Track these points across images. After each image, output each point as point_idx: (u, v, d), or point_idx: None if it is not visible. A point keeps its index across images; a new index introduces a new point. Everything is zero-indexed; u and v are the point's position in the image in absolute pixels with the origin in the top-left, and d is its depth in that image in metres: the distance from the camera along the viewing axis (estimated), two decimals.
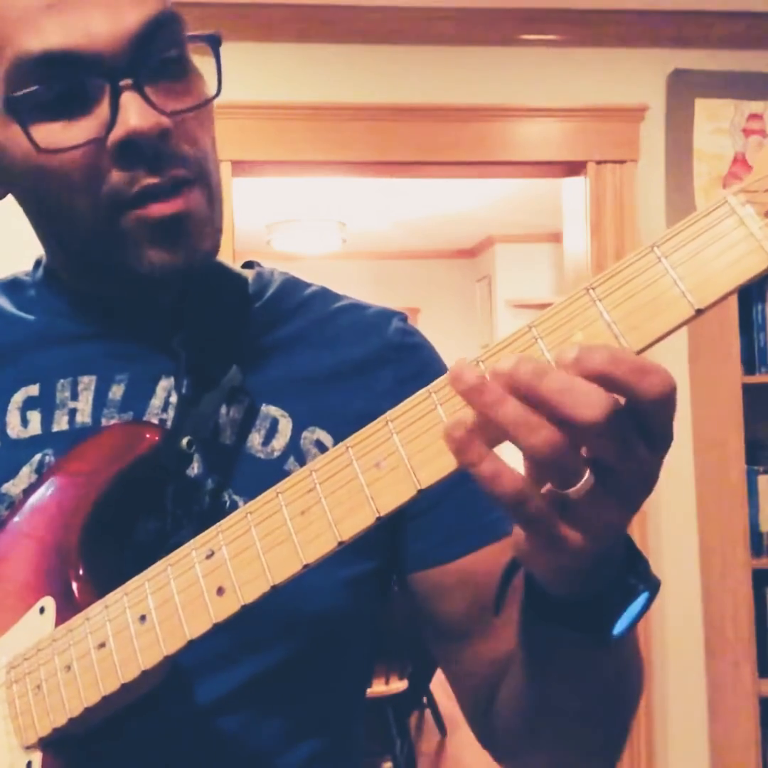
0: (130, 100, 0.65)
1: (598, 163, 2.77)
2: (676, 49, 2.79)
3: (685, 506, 2.81)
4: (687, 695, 2.81)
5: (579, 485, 0.49)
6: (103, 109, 0.66)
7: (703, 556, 2.79)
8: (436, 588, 0.77)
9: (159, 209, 0.68)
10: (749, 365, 2.70)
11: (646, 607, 0.57)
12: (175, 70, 0.69)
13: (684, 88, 2.78)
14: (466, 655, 0.78)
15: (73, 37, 0.65)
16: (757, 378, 2.69)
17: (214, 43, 0.71)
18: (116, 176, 0.68)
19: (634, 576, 0.57)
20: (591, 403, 0.46)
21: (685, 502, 2.81)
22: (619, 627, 0.57)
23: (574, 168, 2.83)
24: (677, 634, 2.80)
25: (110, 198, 0.68)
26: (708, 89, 2.79)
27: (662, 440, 0.50)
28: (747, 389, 2.62)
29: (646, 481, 0.51)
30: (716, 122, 2.79)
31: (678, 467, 2.80)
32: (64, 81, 0.66)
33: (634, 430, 0.48)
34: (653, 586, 0.57)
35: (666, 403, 0.48)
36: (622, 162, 2.77)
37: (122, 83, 0.65)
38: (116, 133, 0.66)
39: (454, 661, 0.79)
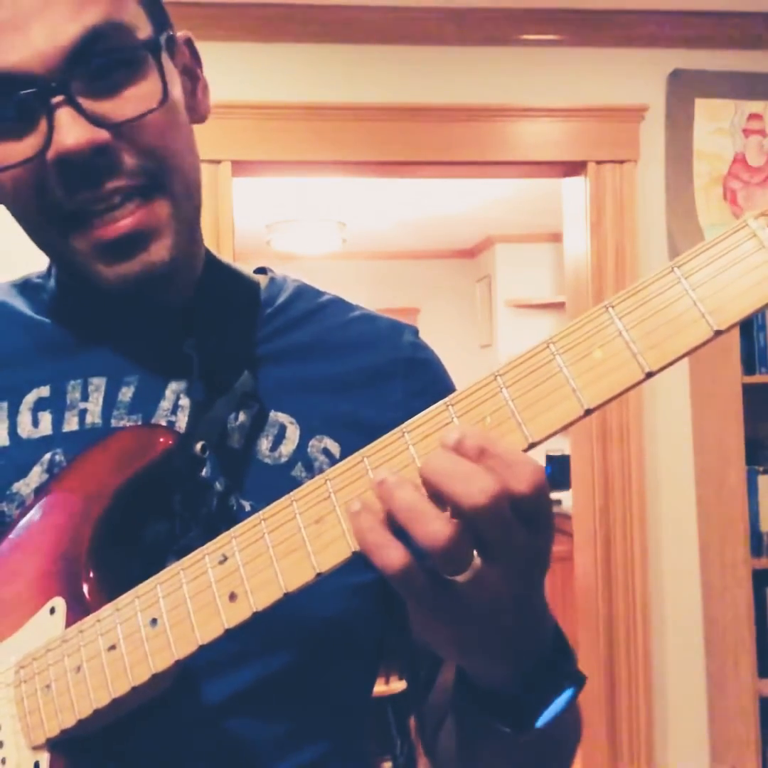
0: (63, 117, 0.66)
1: (598, 163, 2.77)
2: (676, 49, 2.79)
3: (685, 506, 2.81)
4: (687, 695, 2.81)
5: (467, 572, 0.51)
6: (42, 127, 0.66)
7: (703, 556, 2.79)
8: None
9: (102, 231, 0.69)
10: (749, 365, 2.70)
11: (570, 701, 0.59)
12: (119, 79, 0.68)
13: (684, 88, 2.78)
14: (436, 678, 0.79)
15: (12, 57, 0.65)
16: (757, 378, 2.69)
17: (154, 49, 0.70)
18: (58, 195, 0.68)
19: (559, 672, 0.59)
20: (473, 489, 0.49)
21: (685, 502, 2.81)
22: (542, 720, 0.58)
23: (574, 168, 2.83)
24: (677, 634, 2.80)
25: (51, 213, 0.69)
26: (708, 89, 2.79)
27: (542, 523, 0.52)
28: (747, 389, 2.62)
29: (530, 562, 0.53)
30: (716, 122, 2.79)
31: (678, 467, 2.81)
32: (5, 101, 0.66)
33: (513, 516, 0.50)
34: (579, 682, 0.59)
35: (538, 494, 0.50)
36: (622, 162, 2.77)
37: (55, 100, 0.65)
38: (51, 151, 0.66)
39: (418, 678, 0.80)
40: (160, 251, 0.71)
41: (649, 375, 0.48)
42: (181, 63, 0.77)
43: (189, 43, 0.79)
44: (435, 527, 0.49)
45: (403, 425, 0.53)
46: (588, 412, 0.49)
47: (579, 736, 0.71)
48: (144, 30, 0.71)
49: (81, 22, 0.66)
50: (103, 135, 0.66)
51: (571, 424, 0.50)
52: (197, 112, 0.78)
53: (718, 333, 0.47)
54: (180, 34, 0.77)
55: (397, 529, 0.51)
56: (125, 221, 0.69)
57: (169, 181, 0.71)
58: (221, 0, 2.55)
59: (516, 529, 0.51)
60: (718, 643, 2.73)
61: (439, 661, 0.78)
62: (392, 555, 0.51)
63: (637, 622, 2.73)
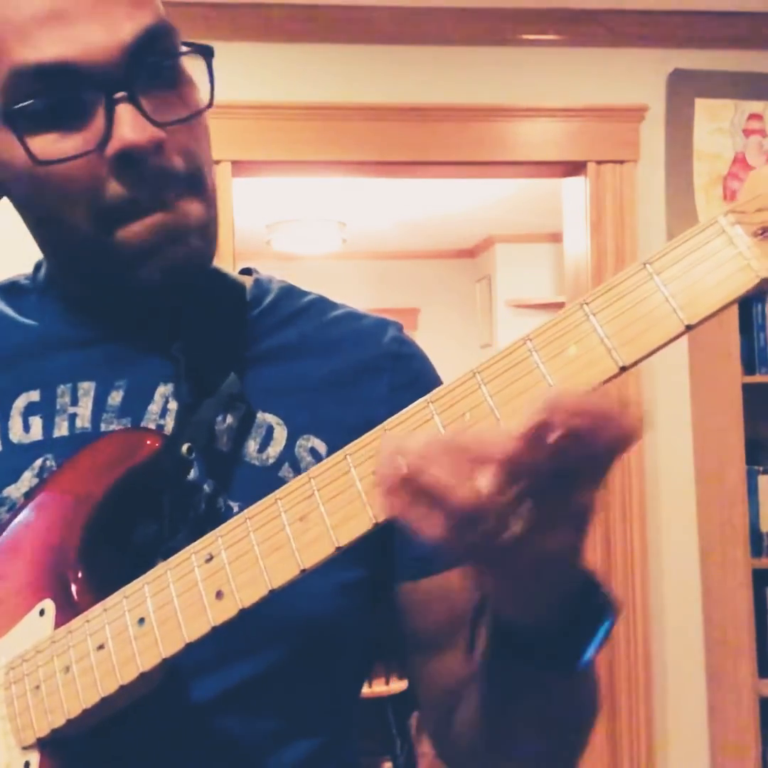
0: (125, 112, 0.66)
1: (598, 163, 2.77)
2: (676, 49, 2.79)
3: (685, 506, 2.81)
4: (687, 695, 2.81)
5: (506, 536, 0.50)
6: (99, 121, 0.67)
7: (703, 556, 2.79)
8: (420, 598, 0.78)
9: (142, 224, 0.69)
10: (749, 365, 2.69)
11: (607, 632, 0.59)
12: (169, 81, 0.70)
13: (684, 88, 2.78)
14: (434, 666, 0.79)
15: (69, 49, 0.66)
16: (757, 378, 2.69)
17: (207, 54, 0.72)
18: (113, 189, 0.69)
19: (596, 604, 0.59)
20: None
21: (685, 502, 2.81)
22: (587, 654, 0.58)
23: (574, 168, 2.83)
24: (677, 633, 2.80)
25: (108, 211, 0.69)
26: (708, 89, 2.79)
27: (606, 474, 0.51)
28: (747, 389, 2.61)
29: (588, 512, 0.53)
30: (716, 122, 2.79)
31: (678, 467, 2.81)
32: (60, 93, 0.67)
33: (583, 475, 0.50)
34: (615, 611, 0.59)
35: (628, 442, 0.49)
36: (622, 162, 2.77)
37: (117, 95, 0.66)
38: (113, 146, 0.67)
39: (424, 673, 0.80)
40: (198, 249, 0.72)
41: (623, 369, 0.49)
42: None
43: None
44: (464, 491, 0.48)
45: (384, 423, 0.54)
46: None
47: (597, 708, 0.70)
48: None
49: (139, 20, 0.67)
50: (161, 133, 0.67)
51: None
52: None
53: (689, 327, 0.48)
54: None
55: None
56: (174, 208, 0.70)
57: (206, 183, 0.73)
58: (221, 0, 2.55)
59: (582, 485, 0.50)
60: (718, 643, 2.73)
61: (432, 652, 0.78)
62: (435, 524, 0.50)
63: (637, 622, 2.73)
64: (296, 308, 0.84)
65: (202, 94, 0.73)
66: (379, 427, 0.54)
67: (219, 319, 0.80)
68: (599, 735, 2.75)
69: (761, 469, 2.71)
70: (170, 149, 0.69)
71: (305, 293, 0.87)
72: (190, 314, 0.78)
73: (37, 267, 0.83)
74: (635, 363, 0.49)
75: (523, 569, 0.53)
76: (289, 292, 0.86)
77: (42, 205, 0.72)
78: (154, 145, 0.67)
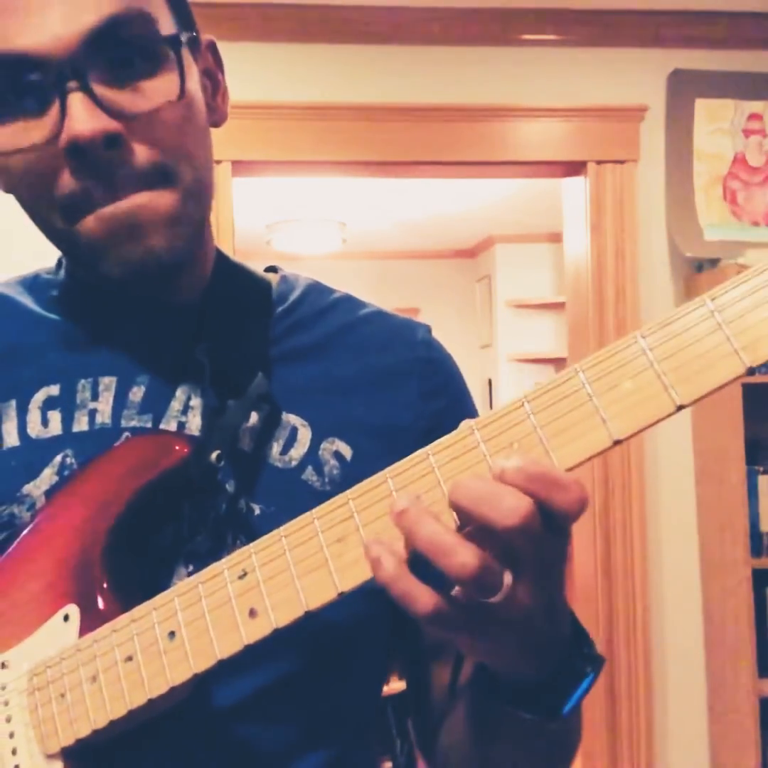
0: (75, 103, 0.64)
1: (598, 163, 2.77)
2: (676, 49, 2.79)
3: (685, 506, 2.81)
4: (687, 695, 2.81)
5: (499, 594, 0.51)
6: (55, 112, 0.65)
7: (703, 556, 2.79)
8: None
9: (103, 210, 0.67)
10: None
11: (590, 685, 0.59)
12: (138, 69, 0.67)
13: (684, 88, 2.78)
14: (434, 673, 0.79)
15: (29, 39, 0.64)
16: (757, 378, 2.68)
17: (174, 44, 0.69)
18: (66, 181, 0.67)
19: (580, 657, 0.59)
20: (508, 510, 0.48)
21: (685, 502, 2.81)
22: (569, 705, 0.58)
23: (574, 168, 2.83)
24: (677, 634, 2.80)
25: (64, 203, 0.68)
26: (708, 89, 2.79)
27: (568, 530, 0.53)
28: (747, 389, 2.61)
29: (555, 564, 0.53)
30: (716, 122, 2.79)
31: (678, 467, 2.81)
32: (17, 82, 0.65)
33: (546, 531, 0.50)
34: (598, 665, 0.59)
35: (580, 513, 0.50)
36: (622, 162, 2.77)
37: (69, 85, 0.64)
38: (62, 138, 0.65)
39: (423, 677, 0.81)
40: (166, 239, 0.69)
41: (680, 408, 0.48)
42: (203, 65, 0.76)
43: (212, 47, 0.78)
44: (462, 559, 0.49)
45: (428, 447, 0.53)
46: (616, 442, 0.49)
47: (581, 730, 0.71)
48: (166, 24, 0.70)
49: (102, 8, 0.65)
50: (115, 125, 0.65)
51: (599, 454, 0.50)
52: (214, 115, 0.78)
53: (751, 370, 0.47)
54: (204, 37, 0.77)
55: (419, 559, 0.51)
56: (127, 200, 0.67)
57: (180, 176, 0.70)
58: (221, 0, 2.55)
59: (548, 541, 0.51)
60: (718, 643, 2.73)
61: (433, 663, 0.78)
62: (423, 600, 0.50)
63: (637, 622, 2.73)
64: (323, 306, 0.83)
65: (190, 82, 0.70)
66: (422, 451, 0.53)
67: (244, 317, 0.78)
68: (600, 734, 2.75)
69: (761, 469, 2.70)
70: (133, 139, 0.67)
71: (332, 291, 0.85)
72: (215, 312, 0.77)
73: (60, 262, 0.82)
74: (694, 402, 0.48)
75: (507, 629, 0.53)
76: (315, 289, 0.84)
77: (17, 195, 0.71)
78: (104, 137, 0.65)
